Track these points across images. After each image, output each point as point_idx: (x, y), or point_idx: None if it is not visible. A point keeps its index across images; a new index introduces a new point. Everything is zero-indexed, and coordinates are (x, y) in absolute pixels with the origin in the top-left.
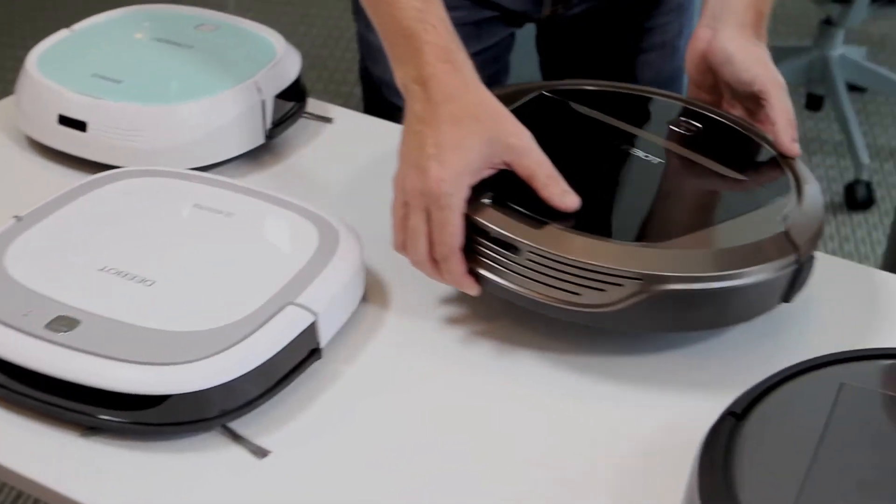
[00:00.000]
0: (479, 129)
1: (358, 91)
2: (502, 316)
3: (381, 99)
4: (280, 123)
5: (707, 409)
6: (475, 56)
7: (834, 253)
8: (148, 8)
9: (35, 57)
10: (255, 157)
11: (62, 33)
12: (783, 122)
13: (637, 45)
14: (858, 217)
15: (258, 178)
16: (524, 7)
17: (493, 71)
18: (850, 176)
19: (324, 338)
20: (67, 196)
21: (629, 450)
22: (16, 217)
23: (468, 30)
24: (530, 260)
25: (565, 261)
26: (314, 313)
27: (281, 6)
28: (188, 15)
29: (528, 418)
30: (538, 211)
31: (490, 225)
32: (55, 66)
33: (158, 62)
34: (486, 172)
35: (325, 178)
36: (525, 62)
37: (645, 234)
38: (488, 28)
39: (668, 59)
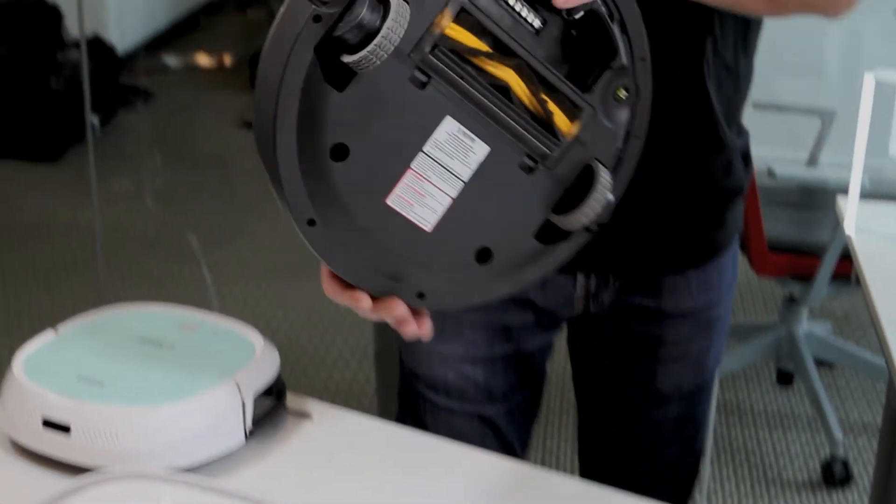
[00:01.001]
0: None
1: (336, 374)
2: None
3: (409, 388)
4: (259, 422)
5: None
6: (508, 359)
7: None
8: (131, 308)
9: (21, 360)
10: (234, 455)
11: (48, 335)
12: None
13: (659, 354)
14: (837, 495)
15: (238, 478)
16: (555, 305)
17: (527, 374)
18: (825, 452)
19: None
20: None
21: None
22: None
23: (495, 334)
24: None
25: None
26: None
27: (260, 290)
28: (170, 315)
29: None
30: None
31: None
32: (40, 368)
33: (141, 363)
34: None
35: (305, 478)
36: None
37: None
38: (523, 334)
39: (691, 373)
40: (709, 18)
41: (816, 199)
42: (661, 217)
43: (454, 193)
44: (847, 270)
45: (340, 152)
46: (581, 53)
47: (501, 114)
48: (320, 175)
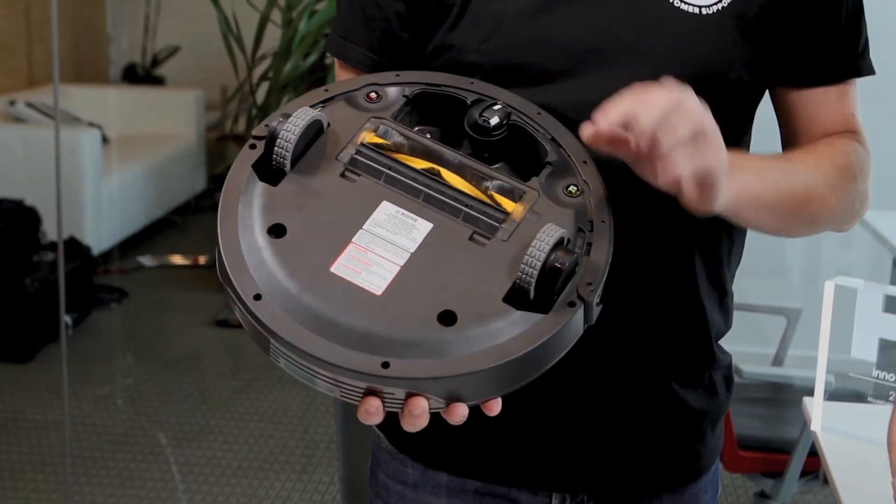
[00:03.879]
0: None
1: None
2: None
3: None
4: None
5: None
6: None
7: None
8: None
9: None
10: None
11: None
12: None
13: None
14: None
15: None
16: None
17: None
18: None
19: None
20: None
21: None
22: None
23: None
24: None
25: None
26: None
27: (229, 488)
28: None
29: None
30: None
31: None
32: None
33: None
34: None
35: None
36: None
37: None
38: None
39: None
40: (697, 232)
41: (784, 396)
42: (639, 438)
43: (401, 262)
44: (817, 466)
45: (278, 230)
46: (517, 157)
47: (435, 195)
48: (262, 253)
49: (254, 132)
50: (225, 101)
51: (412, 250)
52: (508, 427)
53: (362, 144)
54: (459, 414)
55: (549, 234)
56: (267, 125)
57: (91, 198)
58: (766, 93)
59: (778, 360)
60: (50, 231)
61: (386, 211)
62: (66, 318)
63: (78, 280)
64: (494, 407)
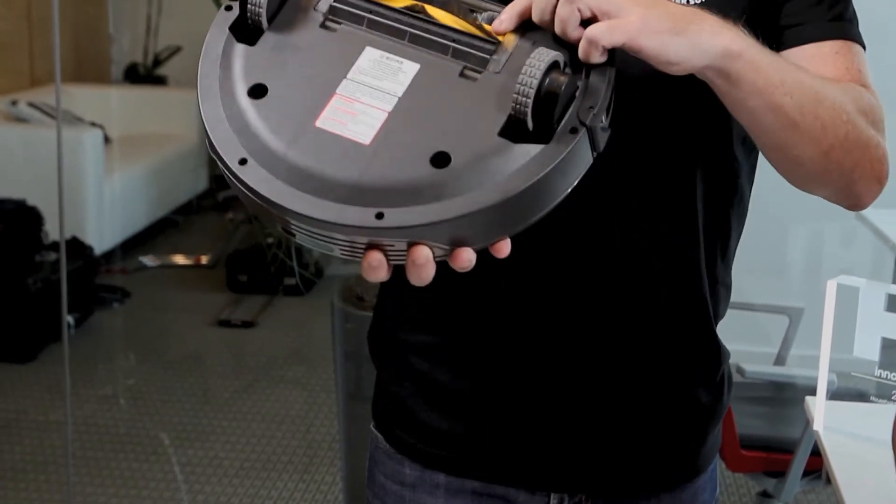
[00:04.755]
0: None
1: None
2: None
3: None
4: None
5: None
6: None
7: None
8: None
9: None
10: None
11: None
12: None
13: None
14: None
15: None
16: None
17: None
18: None
19: None
20: None
21: None
22: None
23: None
24: None
25: None
26: None
27: (232, 488)
28: None
29: None
30: None
31: None
32: None
33: None
34: None
35: None
36: None
37: None
38: None
39: None
40: (695, 227)
41: (786, 396)
42: (638, 437)
43: (389, 108)
44: (819, 466)
45: (259, 91)
46: None
47: (421, 33)
48: (245, 116)
49: None
50: None
51: (400, 95)
52: (507, 427)
53: None
54: (465, 259)
55: (540, 58)
56: None
57: (93, 198)
58: None
59: (780, 360)
60: (52, 231)
61: (370, 57)
62: (69, 318)
63: (80, 280)
64: (504, 248)
